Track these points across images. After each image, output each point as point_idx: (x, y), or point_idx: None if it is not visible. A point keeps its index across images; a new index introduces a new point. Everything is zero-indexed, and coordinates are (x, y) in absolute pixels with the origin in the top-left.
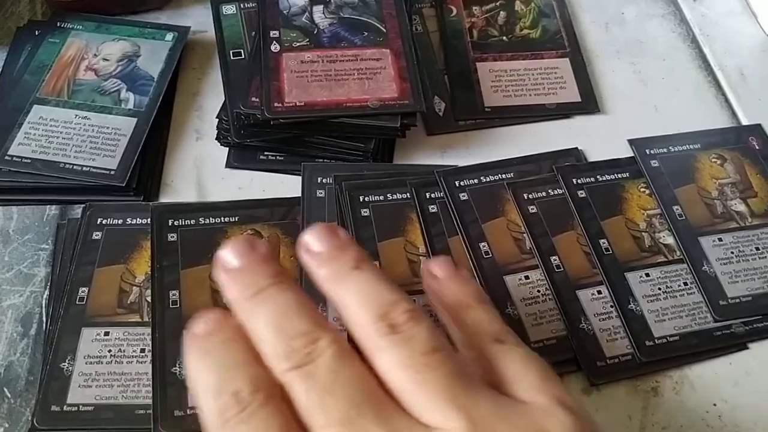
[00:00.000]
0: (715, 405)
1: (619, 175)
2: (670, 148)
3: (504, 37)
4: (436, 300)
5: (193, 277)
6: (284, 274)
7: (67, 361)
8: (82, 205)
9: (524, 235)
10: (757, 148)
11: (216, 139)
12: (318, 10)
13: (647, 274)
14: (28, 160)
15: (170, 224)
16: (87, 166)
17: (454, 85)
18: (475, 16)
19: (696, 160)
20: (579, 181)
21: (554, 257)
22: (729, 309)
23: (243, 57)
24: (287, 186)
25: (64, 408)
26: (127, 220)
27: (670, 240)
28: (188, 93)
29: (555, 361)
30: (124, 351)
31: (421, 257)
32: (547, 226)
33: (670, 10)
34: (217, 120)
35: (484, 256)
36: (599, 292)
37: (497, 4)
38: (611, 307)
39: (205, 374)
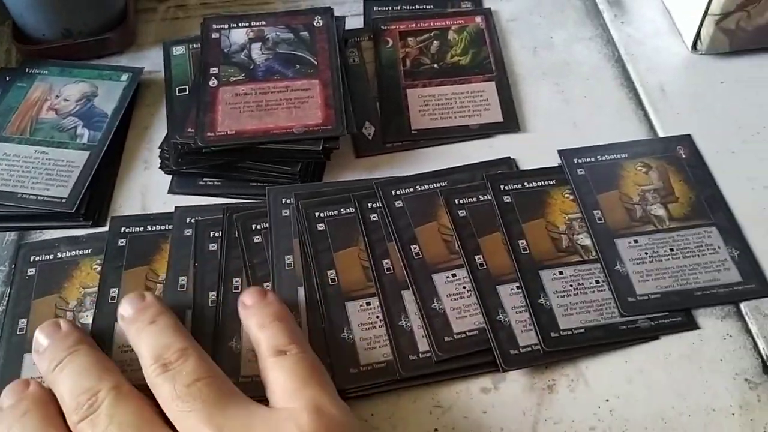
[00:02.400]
0: (607, 401)
1: (546, 183)
2: (598, 157)
3: (435, 65)
4: (246, 326)
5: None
6: (82, 342)
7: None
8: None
9: (453, 237)
10: (683, 156)
11: (159, 167)
12: (256, 47)
13: (561, 272)
14: None
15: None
16: (42, 196)
17: (384, 111)
18: (410, 47)
19: (622, 169)
20: (507, 187)
21: (478, 256)
22: (636, 305)
23: (187, 93)
24: None
25: None
26: (58, 254)
27: (587, 241)
28: (141, 127)
29: (475, 351)
30: None
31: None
32: (475, 228)
33: (597, 32)
34: (159, 150)
35: (414, 257)
36: (517, 287)
37: (432, 34)
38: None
39: None
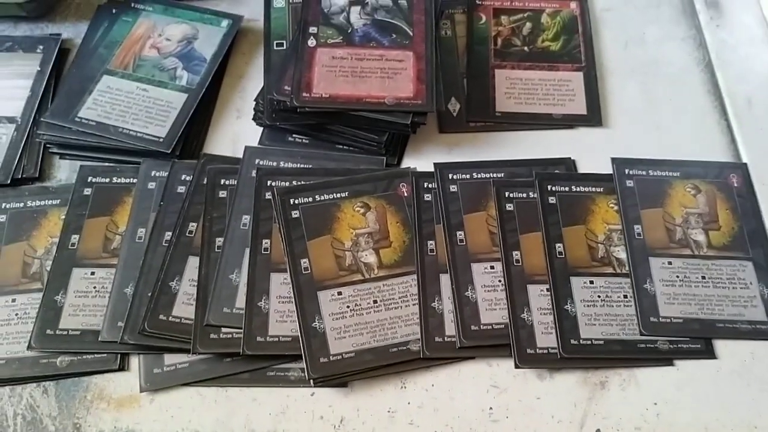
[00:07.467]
0: (655, 404)
1: (594, 189)
2: (650, 171)
3: (525, 47)
4: None
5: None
6: None
7: (60, 294)
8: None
9: (497, 229)
10: (735, 185)
11: (252, 119)
12: (355, 11)
13: (591, 282)
14: (93, 123)
15: (292, 203)
16: (141, 132)
17: (471, 89)
18: (503, 25)
19: (671, 187)
20: (554, 188)
21: (516, 252)
22: (658, 326)
23: (285, 47)
24: None
25: (57, 332)
26: (113, 179)
27: (622, 255)
28: (235, 75)
29: (494, 344)
30: (106, 287)
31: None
32: (519, 224)
33: (691, 33)
34: (254, 102)
35: (458, 243)
36: (547, 290)
37: (525, 15)
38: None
39: None
